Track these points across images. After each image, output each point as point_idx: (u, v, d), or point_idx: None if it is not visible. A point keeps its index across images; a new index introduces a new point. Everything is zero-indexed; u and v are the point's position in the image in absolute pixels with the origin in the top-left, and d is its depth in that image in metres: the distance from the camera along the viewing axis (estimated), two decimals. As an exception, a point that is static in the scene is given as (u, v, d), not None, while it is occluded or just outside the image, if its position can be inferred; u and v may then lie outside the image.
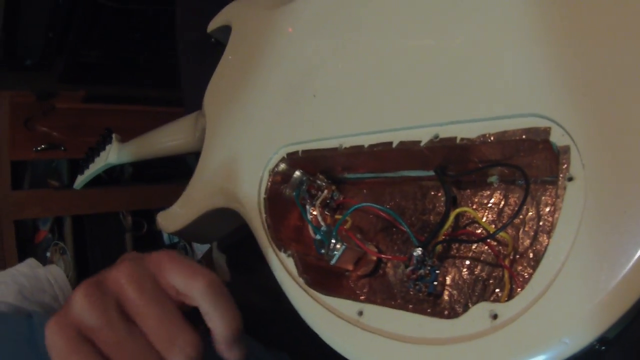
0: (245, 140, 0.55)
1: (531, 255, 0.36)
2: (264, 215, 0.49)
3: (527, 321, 0.29)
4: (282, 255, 0.45)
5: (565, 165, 0.30)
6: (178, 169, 1.86)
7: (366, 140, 0.41)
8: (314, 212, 0.48)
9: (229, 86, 0.63)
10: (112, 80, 1.87)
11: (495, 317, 0.30)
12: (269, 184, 0.50)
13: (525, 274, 0.36)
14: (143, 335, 0.34)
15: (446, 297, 0.39)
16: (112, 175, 1.85)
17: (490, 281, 0.37)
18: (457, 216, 0.39)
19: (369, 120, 0.41)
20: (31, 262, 0.75)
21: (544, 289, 0.29)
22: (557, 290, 0.29)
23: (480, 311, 0.31)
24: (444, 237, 0.38)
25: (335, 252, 0.42)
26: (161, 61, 1.77)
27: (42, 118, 1.74)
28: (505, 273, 0.36)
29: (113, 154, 1.02)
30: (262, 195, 0.50)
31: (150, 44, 1.73)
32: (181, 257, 0.37)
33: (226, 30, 0.68)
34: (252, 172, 0.52)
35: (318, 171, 0.49)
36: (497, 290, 0.37)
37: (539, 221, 0.36)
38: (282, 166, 0.49)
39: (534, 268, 0.35)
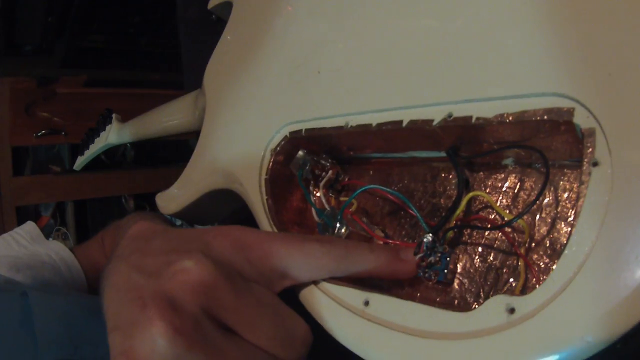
0: (246, 119, 0.53)
1: (548, 243, 0.33)
2: (264, 197, 0.46)
3: (547, 317, 0.27)
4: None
5: (590, 150, 0.28)
6: (180, 152, 1.84)
7: (374, 119, 0.38)
8: (318, 194, 0.45)
9: (229, 64, 0.60)
10: (114, 64, 1.84)
11: (512, 311, 0.28)
12: (271, 164, 0.47)
13: (541, 263, 0.33)
14: (252, 343, 0.29)
15: (456, 286, 0.37)
16: (113, 158, 1.83)
17: (504, 270, 0.35)
18: (470, 200, 0.36)
19: (378, 97, 0.38)
20: (31, 229, 0.68)
21: (566, 283, 0.26)
22: (580, 284, 0.26)
23: (496, 304, 0.28)
24: (455, 222, 0.36)
25: (340, 236, 0.39)
26: (162, 44, 1.74)
27: (43, 103, 1.72)
28: (520, 262, 0.34)
29: (113, 134, 1.01)
30: (264, 176, 0.47)
31: (151, 26, 1.70)
32: (284, 236, 0.34)
33: (227, 6, 0.65)
34: (253, 152, 0.49)
35: (322, 151, 0.46)
36: (511, 279, 0.34)
37: (556, 207, 0.34)
38: (285, 145, 0.47)
39: (551, 257, 0.33)
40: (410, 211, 0.38)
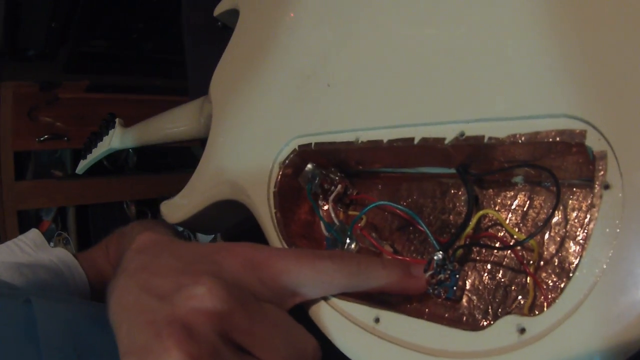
0: (253, 130, 0.53)
1: (557, 262, 0.34)
2: (273, 210, 0.47)
3: (558, 338, 0.27)
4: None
5: (602, 172, 0.28)
6: (182, 159, 1.84)
7: (385, 135, 0.38)
8: (326, 207, 0.45)
9: (237, 72, 0.60)
10: (117, 70, 1.84)
11: (523, 331, 0.28)
12: (279, 177, 0.47)
13: (550, 282, 0.34)
14: None
15: (465, 303, 0.37)
16: (116, 164, 1.83)
17: (512, 288, 0.35)
18: (479, 217, 0.37)
19: (389, 113, 0.39)
20: (35, 237, 0.68)
21: (577, 305, 0.27)
22: (590, 306, 0.26)
23: (507, 324, 0.29)
24: (465, 240, 0.36)
25: (350, 252, 0.39)
26: (166, 50, 1.74)
27: (46, 108, 1.73)
28: (529, 280, 0.34)
29: (116, 139, 0.99)
30: (272, 189, 0.47)
31: (155, 32, 1.71)
32: (300, 253, 0.34)
33: (234, 14, 0.65)
34: (261, 164, 0.49)
35: (331, 164, 0.46)
36: (519, 297, 0.35)
37: (565, 226, 0.34)
38: (294, 158, 0.47)
39: (560, 276, 0.33)
40: (420, 227, 0.38)
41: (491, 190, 0.38)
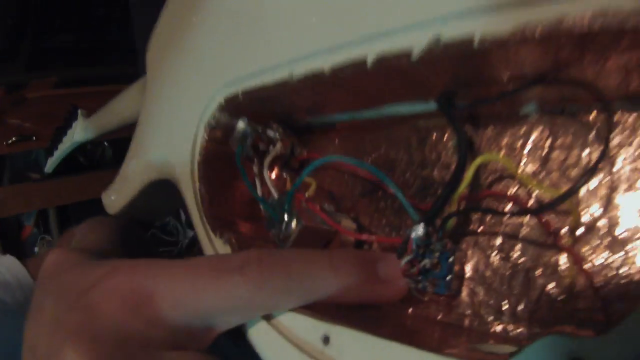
0: (179, 92, 0.40)
1: (606, 228, 0.21)
2: (197, 185, 0.33)
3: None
4: (218, 241, 0.30)
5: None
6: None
7: (326, 61, 0.25)
8: (267, 177, 0.32)
9: (169, 35, 0.47)
10: (85, 62, 1.70)
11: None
12: (205, 142, 0.34)
13: (597, 258, 0.21)
14: None
15: (466, 297, 0.24)
16: (92, 160, 1.72)
17: (537, 271, 0.22)
18: (477, 169, 0.23)
19: (327, 29, 0.25)
20: None
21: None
22: None
23: (549, 350, 0.15)
24: (459, 204, 0.23)
25: (290, 233, 0.26)
26: (131, 34, 1.60)
27: (13, 110, 1.59)
28: (562, 258, 0.21)
29: (79, 131, 0.90)
30: (197, 158, 0.34)
31: (116, 20, 1.56)
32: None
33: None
34: (185, 130, 0.36)
35: (271, 119, 0.33)
36: (549, 286, 0.22)
37: (611, 172, 0.21)
38: (221, 116, 0.34)
39: (613, 249, 0.20)
40: (391, 190, 0.25)
41: (491, 128, 0.25)
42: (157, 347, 0.22)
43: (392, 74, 0.24)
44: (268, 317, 0.24)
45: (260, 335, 0.24)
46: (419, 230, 0.22)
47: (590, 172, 0.20)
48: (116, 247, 0.46)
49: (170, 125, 0.41)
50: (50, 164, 1.11)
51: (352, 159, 0.25)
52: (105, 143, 1.70)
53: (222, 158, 0.35)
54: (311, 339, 0.22)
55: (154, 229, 1.48)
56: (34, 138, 1.55)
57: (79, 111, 0.92)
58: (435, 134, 0.27)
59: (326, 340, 0.21)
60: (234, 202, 0.35)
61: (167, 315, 0.22)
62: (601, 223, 0.21)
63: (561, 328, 0.17)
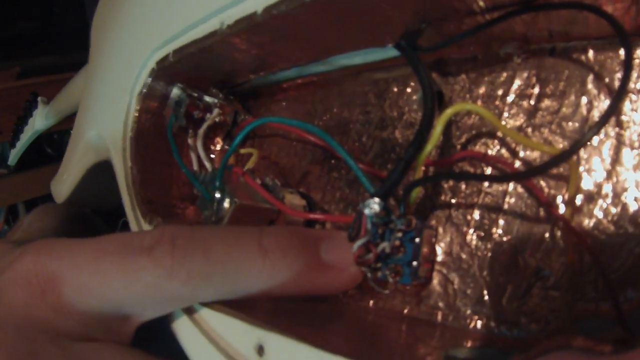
0: (112, 62, 0.34)
1: (610, 194, 0.15)
2: (128, 164, 0.28)
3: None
4: (147, 229, 0.24)
5: None
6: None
7: (259, 3, 0.19)
8: (200, 148, 0.26)
9: (106, 8, 0.41)
10: (49, 50, 1.61)
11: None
12: (137, 114, 0.28)
13: (600, 233, 0.15)
14: None
15: (438, 286, 0.18)
16: (60, 150, 1.64)
17: (526, 252, 0.17)
18: (449, 125, 0.18)
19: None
20: None
21: None
22: None
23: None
24: (425, 170, 0.17)
25: (223, 214, 0.20)
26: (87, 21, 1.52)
27: (-25, 105, 1.51)
28: (559, 230, 0.15)
29: (40, 119, 0.88)
30: (129, 134, 0.28)
31: (74, 5, 1.48)
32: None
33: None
34: (116, 102, 0.31)
35: (210, 83, 0.27)
36: (542, 269, 0.16)
37: (618, 121, 0.16)
38: (155, 84, 0.28)
39: (619, 224, 0.15)
40: (340, 156, 0.19)
41: (464, 75, 0.19)
42: (66, 338, 0.19)
43: (340, 13, 0.18)
44: (199, 321, 0.19)
45: (189, 341, 0.19)
46: (374, 205, 0.16)
47: (600, 124, 0.14)
48: (61, 235, 0.41)
49: (103, 100, 0.35)
50: (14, 156, 1.08)
51: (293, 120, 0.19)
52: (72, 131, 1.62)
53: (158, 134, 0.29)
54: (243, 349, 0.16)
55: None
56: (-1, 132, 1.47)
57: (39, 99, 0.90)
58: (395, 87, 0.21)
59: (260, 350, 0.16)
60: (173, 183, 0.29)
61: (74, 303, 0.19)
62: (607, 189, 0.16)
63: (568, 339, 0.12)
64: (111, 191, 0.52)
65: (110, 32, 0.36)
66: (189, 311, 0.19)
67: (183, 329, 0.20)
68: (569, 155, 0.15)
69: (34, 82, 1.51)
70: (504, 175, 0.17)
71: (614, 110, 0.15)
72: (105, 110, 0.34)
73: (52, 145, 1.65)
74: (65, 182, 0.47)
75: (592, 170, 0.16)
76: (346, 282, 0.18)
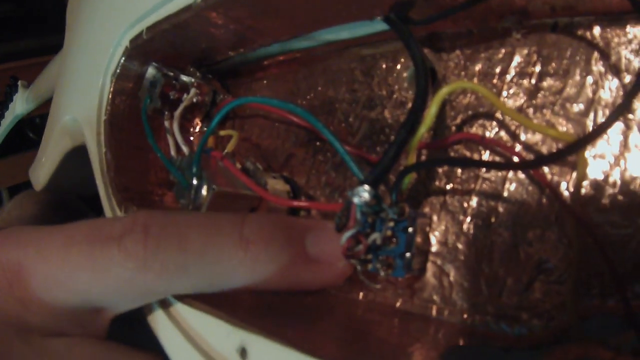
0: (86, 42, 0.32)
1: (618, 181, 0.14)
2: (103, 150, 0.26)
3: None
4: (122, 218, 0.23)
5: None
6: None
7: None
8: (176, 131, 0.25)
9: None
10: (27, 32, 1.56)
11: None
12: (110, 96, 0.26)
13: (608, 223, 0.14)
14: None
15: (432, 278, 0.17)
16: (42, 134, 1.60)
17: (527, 242, 0.15)
18: (444, 105, 0.16)
19: None
20: None
21: None
22: None
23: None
24: (419, 154, 0.16)
25: (201, 202, 0.19)
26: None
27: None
28: (561, 220, 0.14)
29: (20, 103, 0.84)
30: (103, 117, 0.27)
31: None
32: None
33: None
34: (90, 84, 0.29)
35: (187, 62, 0.25)
36: (545, 261, 0.15)
37: (628, 108, 0.14)
38: (129, 64, 0.26)
39: (628, 215, 0.13)
40: (327, 139, 0.17)
41: (458, 51, 0.18)
42: (37, 333, 0.18)
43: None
44: (177, 319, 0.17)
45: (168, 342, 0.18)
46: (364, 193, 0.15)
47: (621, 107, 0.13)
48: (41, 223, 0.39)
49: (77, 83, 0.33)
50: (-6, 142, 1.06)
51: (275, 100, 0.18)
52: (48, 116, 1.59)
53: (134, 116, 0.27)
54: (226, 351, 0.15)
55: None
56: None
57: (19, 82, 0.87)
58: (384, 64, 0.19)
59: (243, 353, 0.14)
60: (150, 169, 0.27)
61: (42, 296, 0.18)
62: (614, 176, 0.14)
63: (586, 348, 0.10)
64: (92, 176, 0.51)
65: (84, 12, 0.34)
66: (168, 309, 0.18)
67: (162, 329, 0.18)
68: (581, 145, 0.13)
69: (13, 66, 1.47)
70: (508, 163, 0.16)
71: (636, 92, 0.13)
72: (79, 92, 0.32)
73: (35, 130, 1.61)
74: (42, 169, 0.45)
75: (599, 157, 0.15)
76: (334, 277, 0.17)
